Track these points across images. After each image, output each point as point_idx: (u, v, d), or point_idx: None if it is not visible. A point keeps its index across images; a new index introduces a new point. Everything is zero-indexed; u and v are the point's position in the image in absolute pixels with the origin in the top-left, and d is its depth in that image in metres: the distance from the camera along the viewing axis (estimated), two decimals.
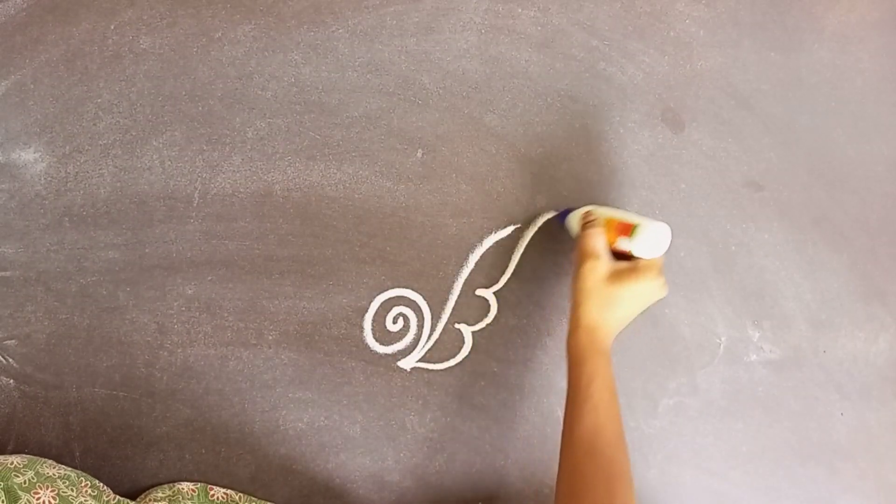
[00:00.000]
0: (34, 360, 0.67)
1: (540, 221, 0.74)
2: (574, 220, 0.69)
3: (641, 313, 0.63)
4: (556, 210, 0.72)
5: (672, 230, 0.75)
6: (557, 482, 0.57)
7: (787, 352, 0.76)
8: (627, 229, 0.62)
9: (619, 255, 0.64)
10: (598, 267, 0.61)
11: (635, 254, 0.62)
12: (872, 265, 0.78)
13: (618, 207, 0.72)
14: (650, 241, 0.61)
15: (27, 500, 0.50)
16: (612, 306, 0.60)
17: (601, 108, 0.75)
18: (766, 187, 0.77)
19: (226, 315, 0.70)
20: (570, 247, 0.74)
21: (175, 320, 0.69)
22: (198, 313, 0.69)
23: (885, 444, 0.77)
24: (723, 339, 0.76)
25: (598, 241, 0.63)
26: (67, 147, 0.68)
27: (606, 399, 0.58)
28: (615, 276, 0.60)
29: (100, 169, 0.68)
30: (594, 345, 0.59)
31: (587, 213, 0.66)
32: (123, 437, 0.68)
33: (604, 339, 0.60)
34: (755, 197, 0.77)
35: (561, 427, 0.73)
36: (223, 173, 0.70)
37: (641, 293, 0.61)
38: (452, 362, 0.72)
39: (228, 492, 0.67)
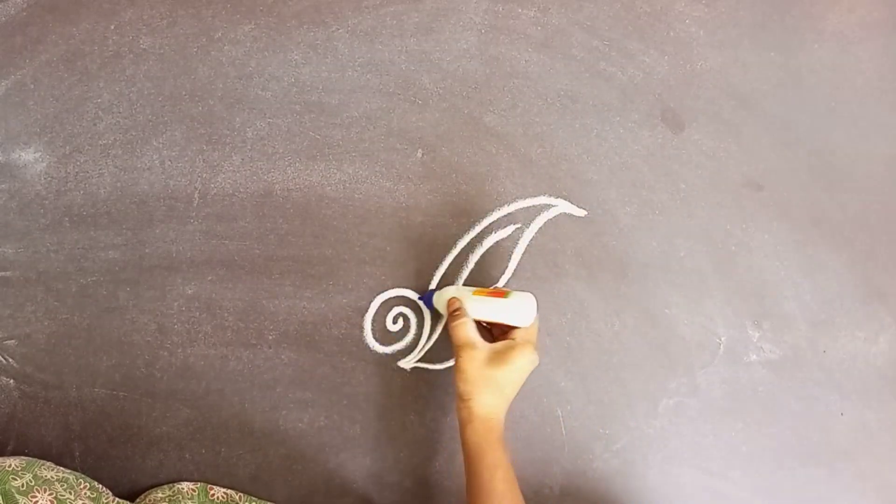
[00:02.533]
0: (34, 360, 0.67)
1: (540, 221, 0.74)
2: (440, 302, 0.68)
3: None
4: (420, 293, 0.72)
5: (672, 230, 0.75)
6: None
7: (787, 352, 0.76)
8: (497, 300, 0.63)
9: (488, 331, 0.64)
10: (477, 355, 0.60)
11: (508, 323, 0.62)
12: (872, 265, 0.78)
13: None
14: (521, 310, 0.61)
15: (24, 503, 0.50)
16: (499, 390, 0.60)
17: (601, 108, 0.75)
18: (766, 187, 0.77)
19: (226, 315, 0.70)
20: (571, 247, 0.74)
21: (175, 320, 0.69)
22: (198, 313, 0.69)
23: (885, 444, 0.77)
24: (723, 339, 0.76)
25: (468, 330, 0.62)
26: (67, 147, 0.68)
27: (509, 489, 0.58)
28: (494, 359, 0.60)
29: (100, 169, 0.68)
30: (491, 434, 0.59)
31: (452, 301, 0.65)
32: (123, 437, 0.68)
33: (498, 426, 0.60)
34: (755, 197, 0.77)
35: (561, 427, 0.73)
36: (223, 173, 0.70)
37: (522, 368, 0.60)
38: (452, 362, 0.72)
39: (228, 492, 0.67)
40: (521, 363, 0.60)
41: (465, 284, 0.72)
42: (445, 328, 0.72)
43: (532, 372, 0.62)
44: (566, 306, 0.74)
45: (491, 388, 0.60)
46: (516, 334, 0.62)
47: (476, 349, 0.60)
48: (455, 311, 0.64)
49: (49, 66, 0.68)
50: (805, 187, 0.78)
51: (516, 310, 0.61)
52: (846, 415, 0.77)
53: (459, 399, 0.60)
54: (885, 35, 0.80)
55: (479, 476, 0.58)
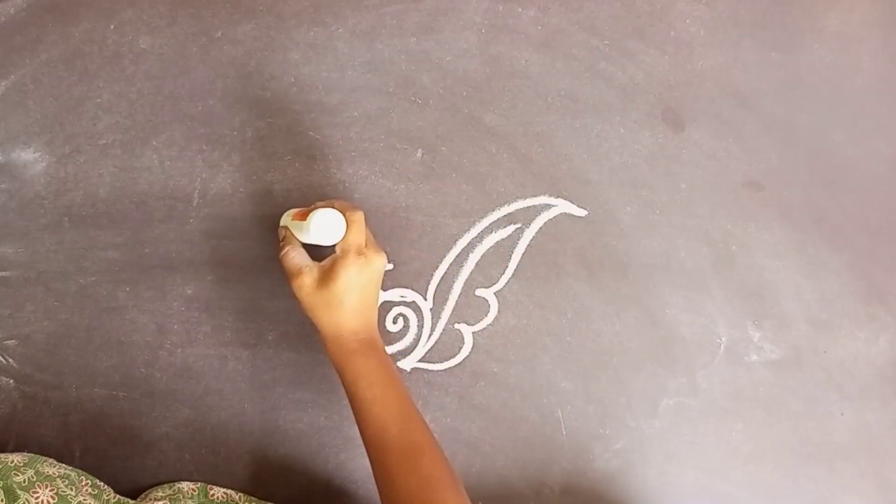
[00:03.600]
0: (34, 360, 0.67)
1: (540, 221, 0.74)
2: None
3: (379, 289, 0.62)
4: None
5: (672, 230, 0.75)
6: (379, 493, 0.57)
7: (787, 352, 0.76)
8: (301, 224, 0.60)
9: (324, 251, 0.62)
10: (304, 281, 0.59)
11: (317, 243, 0.60)
12: (872, 265, 0.78)
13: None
14: (320, 230, 0.58)
15: (26, 499, 0.50)
16: (337, 306, 0.59)
17: (601, 108, 0.75)
18: (766, 187, 0.77)
19: (226, 315, 0.70)
20: (571, 247, 0.74)
21: (175, 320, 0.69)
22: (198, 313, 0.69)
23: (885, 444, 0.77)
24: (723, 339, 0.76)
25: (292, 258, 0.61)
26: (67, 147, 0.68)
27: (378, 394, 0.58)
28: (323, 279, 0.59)
29: (100, 169, 0.68)
30: (343, 348, 0.59)
31: (279, 231, 0.64)
32: (123, 437, 0.68)
33: (350, 337, 0.59)
34: (755, 197, 0.77)
35: (561, 427, 0.73)
36: (223, 173, 0.70)
37: (354, 279, 0.59)
38: (452, 362, 0.72)
39: (228, 491, 0.67)
40: (348, 274, 0.58)
41: (465, 284, 0.72)
42: (449, 325, 0.72)
43: (380, 271, 0.61)
44: (566, 306, 0.74)
45: (329, 307, 0.59)
46: (337, 246, 0.60)
47: (302, 275, 0.59)
48: (281, 241, 0.63)
49: (49, 66, 0.68)
50: (805, 187, 0.78)
51: (317, 231, 0.58)
52: (846, 415, 0.77)
53: (312, 323, 0.60)
54: (885, 35, 0.80)
55: (347, 392, 0.59)
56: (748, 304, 0.76)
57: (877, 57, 0.80)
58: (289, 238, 0.63)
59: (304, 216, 0.60)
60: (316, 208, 0.59)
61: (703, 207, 0.76)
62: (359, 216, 0.60)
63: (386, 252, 0.62)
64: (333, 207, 0.59)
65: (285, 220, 0.66)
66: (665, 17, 0.76)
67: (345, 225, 0.59)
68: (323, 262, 0.60)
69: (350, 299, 0.59)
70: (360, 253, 0.59)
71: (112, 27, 0.69)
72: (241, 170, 0.70)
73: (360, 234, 0.60)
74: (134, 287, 0.69)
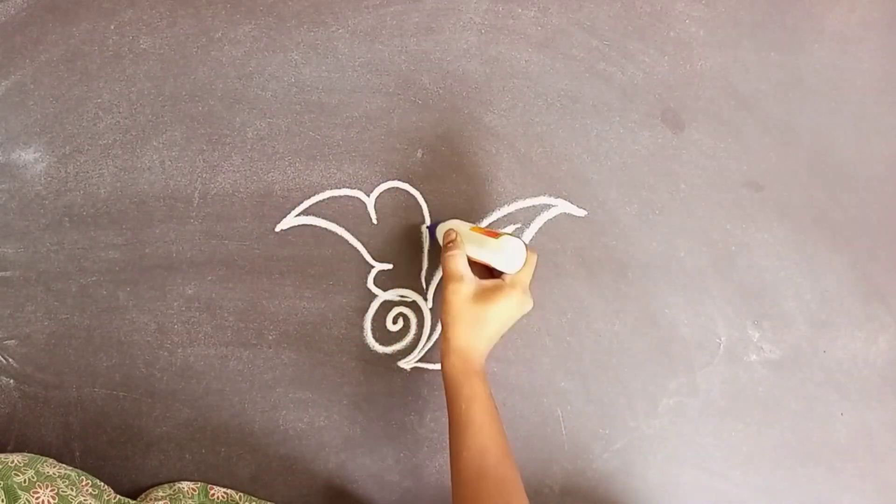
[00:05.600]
0: (34, 360, 0.67)
1: (540, 221, 0.74)
2: (441, 234, 0.68)
3: (510, 329, 0.63)
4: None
5: (672, 230, 0.75)
6: None
7: (787, 352, 0.76)
8: (488, 241, 0.62)
9: (486, 270, 0.64)
10: (462, 289, 0.60)
11: (494, 267, 0.62)
12: (872, 265, 0.78)
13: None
14: (508, 255, 0.60)
15: (26, 499, 0.50)
16: (480, 326, 0.60)
17: (601, 108, 0.75)
18: (766, 187, 0.77)
19: (226, 315, 0.70)
20: (571, 247, 0.74)
21: (175, 320, 0.69)
22: (198, 313, 0.69)
23: (885, 444, 0.77)
24: (723, 339, 0.76)
25: (458, 263, 0.62)
26: (67, 147, 0.68)
27: (488, 420, 0.58)
28: (481, 296, 0.60)
29: (100, 169, 0.68)
30: (468, 367, 0.59)
31: (448, 233, 0.65)
32: (123, 437, 0.68)
33: (477, 360, 0.60)
34: (755, 197, 0.77)
35: (561, 427, 0.73)
36: (223, 173, 0.70)
37: (508, 310, 0.61)
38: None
39: (228, 491, 0.67)
40: (506, 304, 0.60)
41: None
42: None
43: (523, 316, 0.62)
44: (566, 306, 0.74)
45: (472, 324, 0.60)
46: (506, 276, 0.61)
47: (463, 282, 0.61)
48: (449, 243, 0.64)
49: (49, 66, 0.68)
50: (805, 187, 0.78)
51: (502, 254, 0.60)
52: (846, 415, 0.77)
53: (442, 331, 0.61)
54: (885, 35, 0.80)
55: (457, 407, 0.59)
56: (748, 304, 0.76)
57: (877, 57, 0.80)
58: (459, 243, 0.64)
59: (488, 234, 0.63)
60: (504, 234, 0.62)
61: (702, 207, 0.76)
62: (534, 258, 0.63)
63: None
64: (515, 238, 0.61)
65: (458, 226, 0.66)
66: (665, 17, 0.76)
67: (525, 260, 0.61)
68: (485, 281, 0.62)
69: (493, 325, 0.60)
70: (524, 291, 0.61)
71: (112, 27, 0.69)
72: (241, 170, 0.70)
73: (530, 273, 0.62)
74: (134, 287, 0.69)
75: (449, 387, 0.60)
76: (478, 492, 0.56)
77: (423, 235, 0.72)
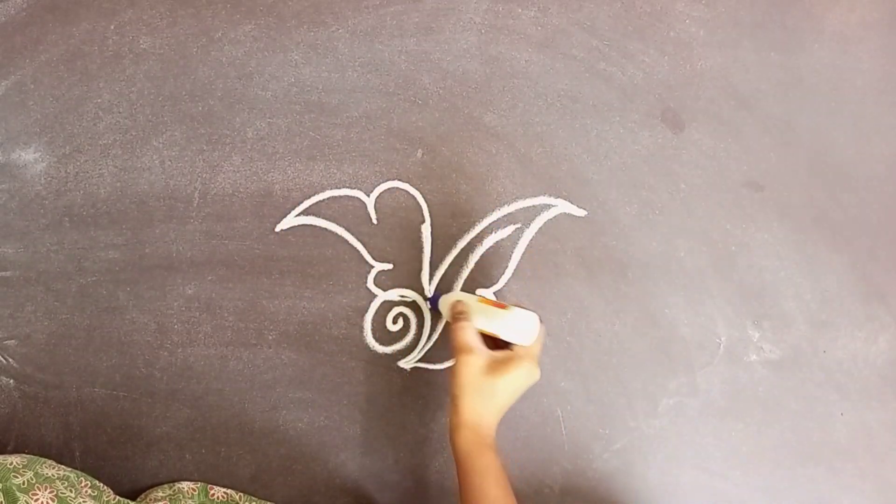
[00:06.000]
0: (34, 360, 0.67)
1: (540, 221, 0.74)
2: (445, 306, 0.68)
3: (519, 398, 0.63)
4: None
5: (672, 230, 0.75)
6: None
7: (787, 352, 0.76)
8: (499, 313, 0.62)
9: (494, 341, 0.64)
10: (473, 361, 0.60)
11: (506, 339, 0.62)
12: (872, 265, 0.78)
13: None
14: (520, 328, 0.61)
15: (25, 500, 0.50)
16: (491, 398, 0.60)
17: (601, 108, 0.75)
18: (766, 187, 0.77)
19: (226, 315, 0.70)
20: (571, 247, 0.74)
21: (175, 320, 0.69)
22: (198, 313, 0.69)
23: (885, 444, 0.77)
24: (723, 339, 0.76)
25: (469, 335, 0.62)
26: (67, 147, 0.68)
27: (501, 494, 0.58)
28: (492, 368, 0.60)
29: (100, 169, 0.68)
30: (480, 439, 0.59)
31: (456, 304, 0.65)
32: (123, 437, 0.68)
33: (488, 432, 0.60)
34: (755, 197, 0.77)
35: (561, 427, 0.73)
36: (223, 173, 0.70)
37: (518, 381, 0.60)
38: (452, 362, 0.72)
39: (228, 491, 0.67)
40: (518, 375, 0.60)
41: (465, 284, 0.72)
42: (446, 330, 0.72)
43: (530, 387, 0.62)
44: (566, 306, 0.74)
45: (483, 396, 0.59)
46: (517, 347, 0.61)
47: (474, 355, 0.60)
48: (459, 314, 0.64)
49: (49, 66, 0.68)
50: (805, 187, 0.78)
51: (516, 327, 0.61)
52: (846, 415, 0.77)
53: (451, 403, 0.60)
54: (885, 35, 0.80)
55: (471, 481, 0.58)
56: (748, 304, 0.76)
57: (877, 57, 0.80)
58: (467, 314, 0.64)
59: (497, 305, 0.63)
60: (513, 307, 0.62)
61: (702, 207, 0.76)
62: (542, 330, 0.62)
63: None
64: (528, 311, 0.61)
65: (464, 297, 0.67)
66: (665, 17, 0.76)
67: (538, 331, 0.61)
68: (495, 352, 0.61)
69: (503, 397, 0.60)
70: (534, 361, 0.61)
71: (112, 27, 0.69)
72: (241, 170, 0.70)
73: (540, 344, 0.63)
74: (134, 287, 0.69)
75: (461, 460, 0.59)
76: None
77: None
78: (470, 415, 0.59)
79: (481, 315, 0.63)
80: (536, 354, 0.62)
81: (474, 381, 0.60)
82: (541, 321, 0.62)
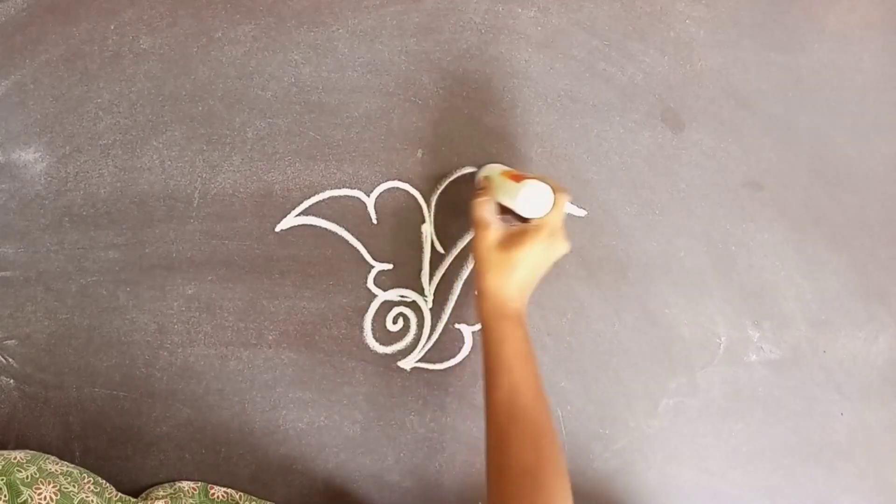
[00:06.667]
0: (34, 360, 0.67)
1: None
2: (478, 179, 0.68)
3: (549, 269, 0.63)
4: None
5: (672, 230, 0.75)
6: (486, 450, 0.57)
7: (787, 352, 0.76)
8: (511, 186, 0.61)
9: (517, 217, 0.63)
10: (488, 236, 0.61)
11: (518, 212, 0.61)
12: (872, 265, 0.78)
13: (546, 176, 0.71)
14: (528, 200, 0.59)
15: (29, 495, 0.50)
16: (508, 271, 0.60)
17: (601, 108, 0.75)
18: (766, 187, 0.77)
19: (226, 315, 0.70)
20: (571, 247, 0.74)
21: (175, 320, 0.69)
22: (198, 313, 0.69)
23: (885, 444, 0.77)
24: (723, 339, 0.76)
25: (484, 210, 0.62)
26: (67, 147, 0.68)
27: (519, 361, 0.58)
28: (507, 242, 0.60)
29: (100, 169, 0.68)
30: (498, 310, 0.60)
31: (480, 180, 0.65)
32: (123, 437, 0.68)
33: (508, 303, 0.60)
34: (755, 197, 0.77)
35: (561, 427, 0.73)
36: (223, 173, 0.70)
37: (535, 254, 0.60)
38: (452, 362, 0.72)
39: (228, 491, 0.67)
40: (532, 249, 0.60)
41: (465, 284, 0.72)
42: (449, 325, 0.72)
43: (557, 258, 0.62)
44: (566, 306, 0.74)
45: (499, 269, 0.60)
46: (533, 220, 0.61)
47: (488, 230, 0.61)
48: (480, 189, 0.64)
49: (49, 66, 0.68)
50: (805, 187, 0.78)
51: (522, 199, 0.59)
52: (846, 415, 0.77)
53: (475, 275, 0.62)
54: (885, 35, 0.80)
55: (488, 349, 0.59)
56: (748, 304, 0.76)
57: (877, 57, 0.80)
58: (488, 190, 0.64)
59: (516, 178, 0.61)
60: (528, 178, 0.60)
61: (702, 207, 0.76)
62: (564, 199, 0.61)
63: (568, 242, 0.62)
64: (546, 183, 0.60)
65: (491, 171, 0.66)
66: (665, 17, 0.76)
67: (552, 203, 0.60)
68: (512, 226, 0.62)
69: (521, 271, 0.60)
70: (552, 234, 0.61)
71: (112, 27, 0.69)
72: (241, 170, 0.70)
73: (559, 216, 0.61)
74: (134, 287, 0.69)
75: (483, 329, 0.61)
76: (508, 438, 0.56)
77: (425, 236, 0.72)
78: (487, 287, 0.61)
79: (500, 189, 0.63)
80: (554, 226, 0.61)
81: (490, 255, 0.60)
82: (558, 189, 0.60)
